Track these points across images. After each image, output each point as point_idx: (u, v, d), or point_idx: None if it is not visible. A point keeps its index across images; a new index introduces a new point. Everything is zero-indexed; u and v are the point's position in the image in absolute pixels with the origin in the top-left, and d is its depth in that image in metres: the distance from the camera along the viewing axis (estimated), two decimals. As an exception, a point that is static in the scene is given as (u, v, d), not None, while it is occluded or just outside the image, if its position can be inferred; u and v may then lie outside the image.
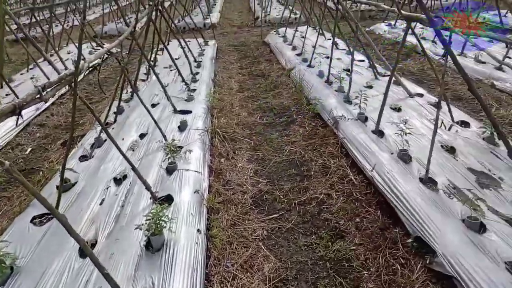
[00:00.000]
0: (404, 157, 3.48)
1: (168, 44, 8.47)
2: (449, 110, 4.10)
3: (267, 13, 12.41)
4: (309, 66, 6.58)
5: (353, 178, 3.64)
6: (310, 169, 3.92)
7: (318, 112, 5.01)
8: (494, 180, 3.13)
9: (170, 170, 3.45)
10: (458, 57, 6.51)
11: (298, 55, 7.36)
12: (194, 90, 5.63)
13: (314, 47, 6.84)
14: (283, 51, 7.83)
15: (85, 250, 2.12)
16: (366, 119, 4.36)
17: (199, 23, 11.25)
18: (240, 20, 13.22)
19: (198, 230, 2.76)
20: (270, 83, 6.59)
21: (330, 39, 7.76)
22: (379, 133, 4.03)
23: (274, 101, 5.77)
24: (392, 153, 3.61)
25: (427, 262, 2.52)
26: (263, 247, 2.93)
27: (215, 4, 15.77)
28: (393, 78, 5.28)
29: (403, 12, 3.69)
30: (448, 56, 3.08)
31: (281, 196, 3.54)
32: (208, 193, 3.41)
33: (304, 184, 3.68)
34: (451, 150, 3.61)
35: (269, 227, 3.16)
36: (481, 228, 2.58)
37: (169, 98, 4.75)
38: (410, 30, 4.11)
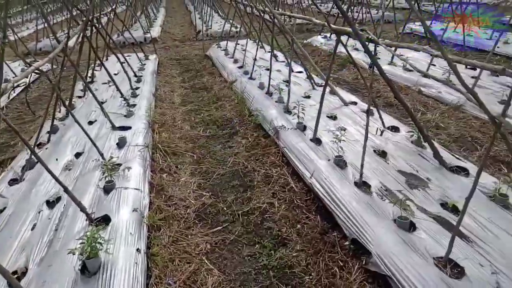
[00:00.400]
0: (340, 163, 3.63)
1: (106, 59, 8.26)
2: (380, 117, 4.34)
3: (208, 27, 12.48)
4: (251, 78, 6.69)
5: (294, 186, 3.73)
6: (253, 179, 3.96)
7: (260, 123, 5.10)
8: (422, 180, 3.35)
9: (108, 189, 3.33)
10: (387, 66, 6.96)
11: (240, 67, 7.46)
12: (134, 105, 5.51)
13: (254, 59, 6.96)
14: (225, 64, 7.91)
15: (11, 282, 1.99)
16: (304, 128, 4.50)
17: (140, 37, 11.06)
18: (182, 34, 13.17)
19: (137, 249, 2.69)
20: (213, 95, 6.62)
21: (270, 51, 7.94)
22: (317, 141, 4.17)
23: (217, 113, 5.80)
24: (329, 160, 3.75)
25: (364, 263, 2.63)
26: (206, 261, 2.91)
27: (156, 19, 15.60)
28: (329, 88, 5.53)
29: (332, 26, 3.88)
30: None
31: (225, 208, 3.54)
32: (149, 210, 3.34)
33: (247, 195, 3.71)
34: (382, 154, 3.81)
35: (212, 240, 3.15)
36: (411, 227, 2.74)
37: (106, 115, 4.61)
38: (346, 41, 4.33)
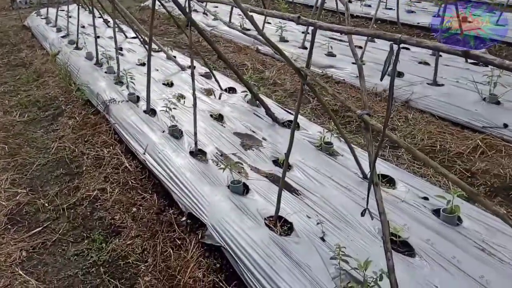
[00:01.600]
0: (175, 133, 3.39)
1: None
2: (216, 80, 4.20)
3: (27, -9, 10.64)
4: (77, 48, 5.88)
5: (128, 165, 3.37)
6: (82, 164, 3.47)
7: (88, 99, 4.51)
8: (257, 139, 3.32)
9: None
10: (226, 27, 6.83)
11: (64, 37, 6.51)
12: None
13: (80, 26, 6.12)
14: (46, 34, 6.82)
15: None
16: (138, 99, 4.11)
17: None
18: (-6, 2, 11.00)
19: None
20: (33, 72, 5.66)
21: (99, 17, 7.11)
22: (152, 112, 3.84)
23: (38, 92, 4.97)
24: (163, 131, 3.47)
25: (200, 237, 2.49)
26: (21, 272, 2.43)
27: (-42, -17, 12.70)
28: (166, 54, 5.18)
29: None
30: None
31: (46, 204, 3.02)
32: None
33: (74, 184, 3.23)
34: (219, 117, 3.69)
35: (30, 245, 2.65)
36: (245, 190, 2.68)
37: None
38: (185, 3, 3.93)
